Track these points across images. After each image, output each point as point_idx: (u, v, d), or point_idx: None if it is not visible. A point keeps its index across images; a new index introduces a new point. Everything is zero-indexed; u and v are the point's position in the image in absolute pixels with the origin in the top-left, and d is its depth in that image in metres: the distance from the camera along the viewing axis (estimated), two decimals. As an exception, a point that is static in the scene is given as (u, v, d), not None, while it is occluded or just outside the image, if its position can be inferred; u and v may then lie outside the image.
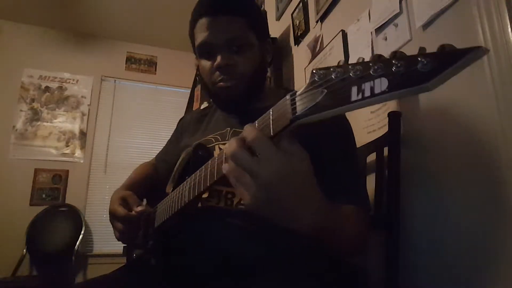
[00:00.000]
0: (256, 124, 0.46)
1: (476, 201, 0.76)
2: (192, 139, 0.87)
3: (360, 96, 0.32)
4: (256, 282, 0.60)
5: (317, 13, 1.51)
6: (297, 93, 0.39)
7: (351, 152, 0.76)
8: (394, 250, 0.83)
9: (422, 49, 0.30)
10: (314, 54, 1.53)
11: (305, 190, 0.45)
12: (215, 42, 0.77)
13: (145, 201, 0.96)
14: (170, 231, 0.76)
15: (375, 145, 0.99)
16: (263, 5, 2.26)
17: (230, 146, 0.44)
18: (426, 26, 0.91)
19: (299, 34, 1.70)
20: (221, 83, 0.78)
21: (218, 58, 0.76)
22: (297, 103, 0.38)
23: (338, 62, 0.36)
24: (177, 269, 0.71)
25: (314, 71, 0.37)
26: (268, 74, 1.84)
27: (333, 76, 0.35)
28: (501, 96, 0.71)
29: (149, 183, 0.99)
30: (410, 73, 0.29)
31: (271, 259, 0.63)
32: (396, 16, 1.02)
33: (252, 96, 0.81)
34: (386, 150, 0.93)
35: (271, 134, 0.42)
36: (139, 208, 0.79)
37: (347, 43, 1.28)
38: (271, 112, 0.43)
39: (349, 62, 0.34)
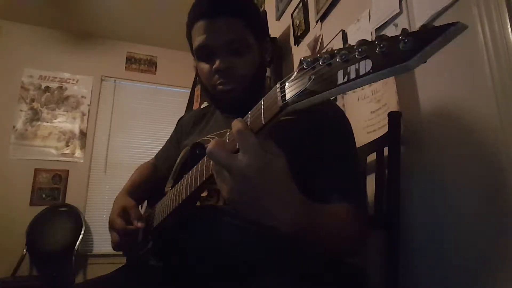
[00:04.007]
0: (249, 115, 0.47)
1: (476, 200, 0.76)
2: (191, 139, 0.87)
3: (346, 79, 0.33)
4: (255, 281, 0.60)
5: (317, 13, 1.51)
6: (286, 81, 0.40)
7: (348, 151, 0.75)
8: (394, 250, 0.83)
9: (404, 30, 0.31)
10: (314, 54, 1.53)
11: (281, 188, 0.45)
12: (213, 45, 0.76)
13: (145, 203, 0.96)
14: (169, 231, 0.76)
15: (375, 145, 0.99)
16: (263, 5, 2.26)
17: (209, 144, 0.46)
18: (426, 26, 0.91)
19: (299, 34, 1.70)
20: (221, 87, 0.77)
21: (217, 62, 0.75)
22: (286, 90, 0.39)
23: (326, 49, 0.36)
24: (176, 269, 0.71)
25: (302, 59, 0.38)
26: (268, 74, 1.84)
27: (320, 62, 0.36)
28: (501, 96, 0.71)
29: (150, 185, 0.99)
30: (392, 52, 0.30)
31: (270, 258, 0.63)
32: (396, 16, 1.03)
33: (252, 97, 0.81)
34: (386, 150, 0.93)
35: (263, 122, 0.43)
36: (139, 224, 0.78)
37: (347, 43, 1.28)
38: (262, 102, 0.44)
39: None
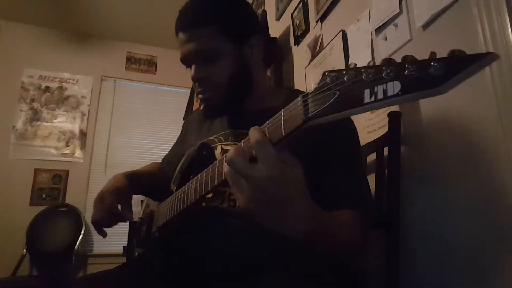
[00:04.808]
0: (267, 125, 0.46)
1: (475, 200, 0.76)
2: (196, 139, 0.88)
3: (373, 99, 0.33)
4: (258, 283, 0.60)
5: (317, 13, 1.51)
6: (309, 95, 0.40)
7: (353, 154, 0.76)
8: (394, 250, 0.83)
9: (433, 54, 0.31)
10: (314, 54, 1.53)
11: (295, 197, 0.46)
12: (186, 56, 0.79)
13: (145, 202, 0.97)
14: (173, 231, 0.76)
15: (375, 145, 0.99)
16: (263, 5, 2.26)
17: (229, 152, 0.47)
18: (426, 26, 0.91)
19: (299, 34, 1.70)
20: (200, 95, 0.81)
21: (191, 72, 0.79)
22: (310, 105, 0.39)
23: (349, 65, 0.36)
24: (179, 269, 0.71)
25: (326, 73, 0.38)
26: (268, 74, 1.84)
27: (345, 79, 0.35)
28: (501, 96, 0.71)
29: (151, 179, 1.01)
30: (422, 76, 0.30)
31: (273, 260, 0.63)
32: (396, 16, 1.02)
33: (236, 100, 0.81)
34: (386, 150, 0.93)
35: (283, 134, 0.43)
36: (126, 216, 0.83)
37: (347, 43, 1.28)
38: (282, 113, 0.44)
39: (359, 65, 0.35)
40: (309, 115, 0.39)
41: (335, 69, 0.37)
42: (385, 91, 0.32)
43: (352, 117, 0.81)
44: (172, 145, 1.12)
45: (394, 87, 0.31)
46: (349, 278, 0.69)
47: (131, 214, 0.86)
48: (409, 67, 0.31)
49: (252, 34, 0.82)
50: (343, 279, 0.67)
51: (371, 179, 0.96)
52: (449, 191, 0.83)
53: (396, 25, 1.03)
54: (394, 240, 0.84)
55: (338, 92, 0.36)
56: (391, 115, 0.93)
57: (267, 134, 0.45)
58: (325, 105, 0.37)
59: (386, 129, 0.94)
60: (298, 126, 0.41)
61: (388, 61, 0.33)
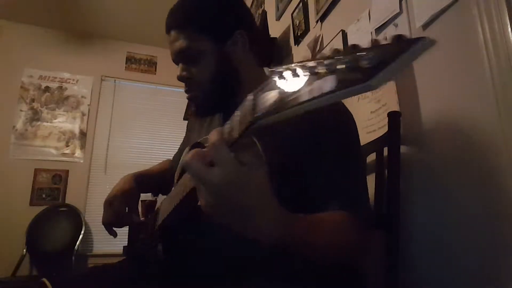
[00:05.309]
0: (227, 125, 0.45)
1: (476, 200, 0.76)
2: (197, 137, 0.89)
3: (310, 96, 0.29)
4: (255, 282, 0.60)
5: (317, 13, 1.51)
6: (258, 93, 0.37)
7: (348, 150, 0.71)
8: (394, 250, 0.83)
9: (374, 42, 0.27)
10: (314, 54, 1.53)
11: (257, 201, 0.44)
12: (173, 57, 0.82)
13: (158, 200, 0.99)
14: (171, 230, 0.77)
15: (375, 145, 0.99)
16: (263, 5, 2.26)
17: (187, 155, 0.44)
18: (426, 26, 0.91)
19: (299, 34, 1.70)
20: (187, 95, 0.82)
21: (177, 71, 0.81)
22: (259, 103, 0.36)
23: (304, 57, 0.35)
24: (178, 269, 0.71)
25: (271, 70, 0.35)
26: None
27: (290, 74, 0.32)
28: (501, 96, 0.71)
29: (159, 178, 1.03)
30: (354, 70, 0.26)
31: (268, 259, 0.63)
32: (396, 16, 1.03)
33: (224, 98, 0.81)
34: (386, 150, 0.93)
35: (237, 135, 0.41)
36: (134, 218, 0.86)
37: (347, 43, 1.28)
38: (238, 113, 0.42)
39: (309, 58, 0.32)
40: (257, 115, 0.36)
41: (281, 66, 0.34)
42: (320, 87, 0.28)
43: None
44: (176, 145, 1.14)
45: (330, 82, 0.28)
46: (347, 278, 0.68)
47: (139, 216, 0.88)
48: (343, 59, 0.27)
49: (235, 30, 0.80)
50: (341, 279, 0.66)
51: (371, 179, 0.96)
52: (449, 190, 0.83)
53: (396, 25, 1.03)
54: (394, 240, 0.84)
55: (282, 90, 0.33)
56: (391, 115, 0.93)
57: (226, 135, 0.43)
58: (269, 104, 0.34)
59: (386, 129, 0.94)
60: (247, 126, 0.38)
61: (336, 52, 0.29)
